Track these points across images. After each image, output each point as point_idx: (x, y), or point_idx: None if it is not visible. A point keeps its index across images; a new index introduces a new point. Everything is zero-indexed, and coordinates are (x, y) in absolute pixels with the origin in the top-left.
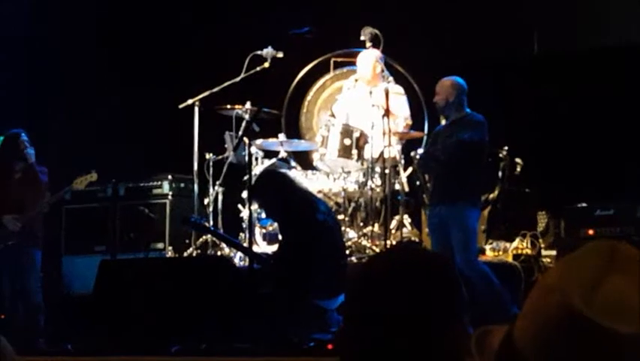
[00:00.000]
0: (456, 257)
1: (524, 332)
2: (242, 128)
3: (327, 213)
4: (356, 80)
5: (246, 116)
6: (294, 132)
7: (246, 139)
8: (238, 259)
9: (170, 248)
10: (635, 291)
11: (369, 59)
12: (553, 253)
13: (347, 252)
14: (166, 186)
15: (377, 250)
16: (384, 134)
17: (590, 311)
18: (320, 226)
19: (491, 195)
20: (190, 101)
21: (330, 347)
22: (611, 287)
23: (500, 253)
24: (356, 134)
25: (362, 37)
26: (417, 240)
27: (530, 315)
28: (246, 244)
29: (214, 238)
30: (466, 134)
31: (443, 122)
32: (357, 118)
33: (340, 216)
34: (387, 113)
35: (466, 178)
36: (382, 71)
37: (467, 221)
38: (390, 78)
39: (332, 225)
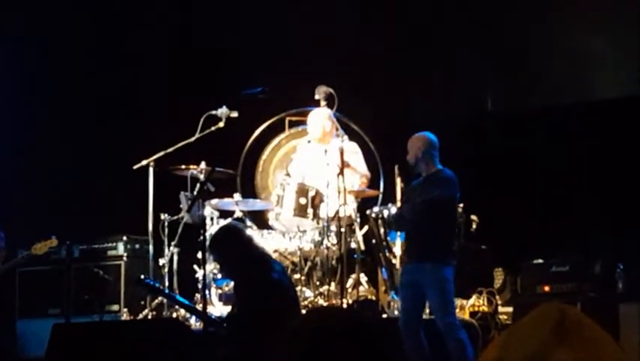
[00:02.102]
0: (436, 318)
1: None
2: (197, 188)
3: (282, 272)
4: (309, 141)
5: (201, 176)
6: (250, 192)
7: (200, 199)
8: (194, 320)
9: (126, 310)
10: None
11: (319, 117)
12: (510, 309)
13: (304, 311)
14: (121, 248)
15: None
16: (339, 192)
17: None
18: (275, 285)
19: None
20: (144, 162)
21: None
22: None
23: (457, 310)
24: (311, 193)
25: (316, 96)
26: (374, 298)
27: None
28: (201, 305)
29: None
30: (436, 193)
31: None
32: (313, 177)
33: (296, 276)
34: (342, 171)
35: (437, 236)
36: (337, 129)
37: (442, 281)
38: (345, 136)
39: (287, 285)
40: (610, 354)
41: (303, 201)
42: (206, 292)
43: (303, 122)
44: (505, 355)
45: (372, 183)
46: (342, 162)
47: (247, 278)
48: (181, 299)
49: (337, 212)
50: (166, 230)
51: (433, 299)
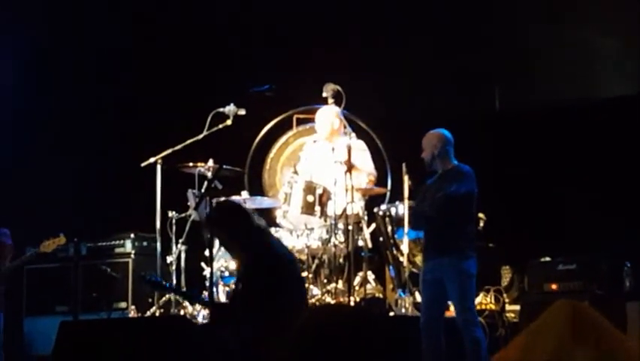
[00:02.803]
0: (455, 314)
1: None
2: (204, 185)
3: (283, 247)
4: (314, 141)
5: (209, 174)
6: (257, 189)
7: (208, 197)
8: (201, 317)
9: (133, 307)
10: None
11: (327, 115)
12: (518, 307)
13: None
14: (128, 245)
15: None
16: (347, 190)
17: None
18: (279, 258)
19: None
20: (152, 160)
21: None
22: None
23: None
24: (319, 191)
25: (324, 94)
26: (381, 296)
27: None
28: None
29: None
30: (453, 188)
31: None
32: (320, 175)
33: (304, 273)
34: (349, 169)
35: (457, 232)
36: (345, 127)
37: (463, 274)
38: (353, 134)
39: (291, 258)
40: (621, 345)
41: (310, 198)
42: (214, 289)
43: (311, 120)
44: (527, 357)
45: (380, 181)
46: (350, 160)
47: (250, 253)
48: (187, 293)
49: (345, 210)
50: (174, 227)
51: (453, 294)
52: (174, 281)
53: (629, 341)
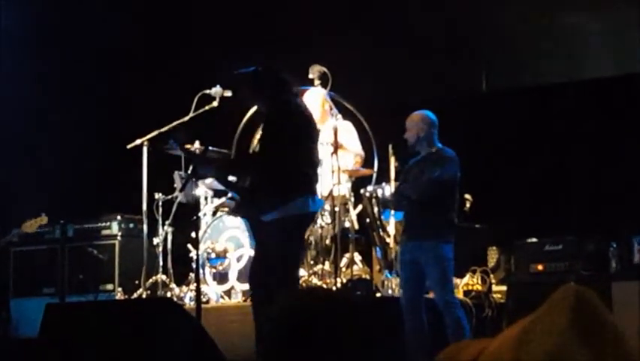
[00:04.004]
0: (435, 297)
1: None
2: (191, 167)
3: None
4: None
5: None
6: None
7: (194, 179)
8: (188, 299)
9: (120, 289)
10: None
11: (316, 98)
12: (504, 288)
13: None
14: (115, 227)
15: (327, 288)
16: (333, 172)
17: None
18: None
19: None
20: (138, 141)
21: None
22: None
23: None
24: None
25: (310, 76)
26: (368, 278)
27: None
28: (194, 285)
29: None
30: (437, 172)
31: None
32: None
33: None
34: (336, 150)
35: (438, 216)
36: (331, 108)
37: (442, 259)
38: (339, 115)
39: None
40: (623, 346)
41: None
42: (200, 271)
43: None
44: (523, 355)
45: (367, 163)
46: (336, 141)
47: (278, 111)
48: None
49: (331, 191)
50: (160, 209)
51: (432, 277)
52: (161, 263)
53: (630, 340)
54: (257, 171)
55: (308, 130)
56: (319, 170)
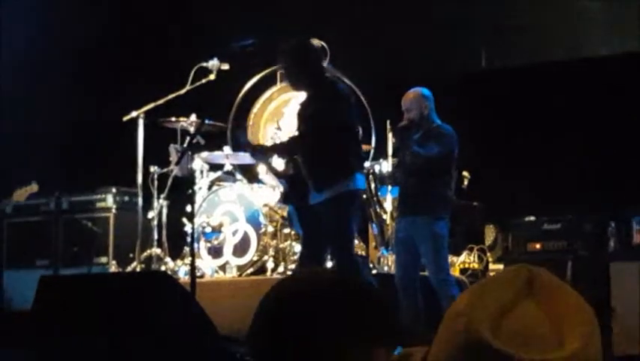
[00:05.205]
0: (429, 275)
1: (436, 358)
2: (187, 140)
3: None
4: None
5: (191, 129)
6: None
7: (190, 152)
8: (182, 273)
9: (114, 262)
10: (545, 319)
11: None
12: (501, 266)
13: (294, 266)
14: (110, 200)
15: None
16: None
17: (494, 339)
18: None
19: None
20: (134, 114)
21: None
22: (521, 314)
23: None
24: None
25: None
26: (364, 254)
27: (441, 341)
28: (189, 259)
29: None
30: (435, 149)
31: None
32: None
33: (286, 230)
34: None
35: (432, 192)
36: None
37: (436, 236)
38: None
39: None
40: (575, 312)
41: None
42: (195, 245)
43: None
44: (476, 304)
45: (364, 139)
46: None
47: (328, 92)
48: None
49: None
50: (155, 183)
51: (426, 255)
52: (155, 237)
53: (587, 311)
54: (312, 151)
55: (357, 111)
56: None
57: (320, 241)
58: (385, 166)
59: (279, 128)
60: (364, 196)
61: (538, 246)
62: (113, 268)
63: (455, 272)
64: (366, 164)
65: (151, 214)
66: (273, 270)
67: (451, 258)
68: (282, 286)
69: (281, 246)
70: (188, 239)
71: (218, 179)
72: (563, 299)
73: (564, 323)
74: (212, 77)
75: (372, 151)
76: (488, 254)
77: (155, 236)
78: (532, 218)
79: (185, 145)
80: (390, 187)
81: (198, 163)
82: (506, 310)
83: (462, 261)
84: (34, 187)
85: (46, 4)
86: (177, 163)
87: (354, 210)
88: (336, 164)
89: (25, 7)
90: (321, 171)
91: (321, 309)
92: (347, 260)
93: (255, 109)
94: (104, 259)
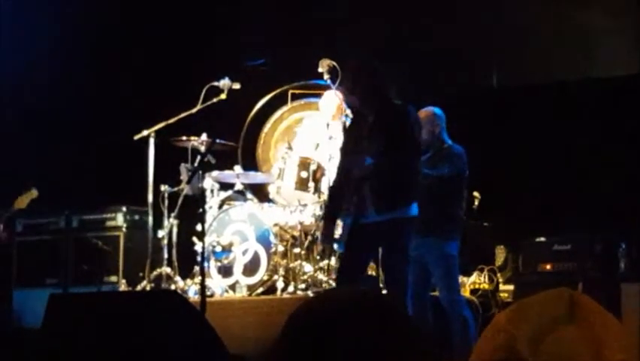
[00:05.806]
0: (440, 295)
1: None
2: (197, 160)
3: None
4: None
5: (202, 148)
6: (251, 164)
7: (201, 171)
8: (192, 292)
9: (124, 281)
10: (585, 344)
11: (335, 101)
12: (511, 287)
13: (304, 286)
14: (120, 218)
15: (333, 284)
16: None
17: (534, 358)
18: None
19: None
20: (145, 133)
21: None
22: (561, 337)
23: None
24: (313, 167)
25: (320, 69)
26: (374, 274)
27: (480, 353)
28: (199, 278)
29: None
30: (446, 169)
31: None
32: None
33: (296, 250)
34: None
35: (443, 213)
36: (344, 110)
37: (447, 257)
38: (348, 110)
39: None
40: (616, 339)
41: (304, 174)
42: (205, 264)
43: (307, 95)
44: (517, 322)
45: None
46: None
47: (397, 113)
48: None
49: None
50: (166, 201)
51: (437, 276)
52: (166, 256)
53: (626, 335)
54: (391, 173)
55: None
56: (331, 164)
57: (361, 257)
58: None
59: (290, 148)
60: None
61: (548, 267)
62: (123, 286)
63: (465, 293)
64: None
65: (161, 233)
66: (283, 290)
67: (462, 278)
68: (311, 305)
69: (291, 265)
70: (198, 258)
71: (229, 198)
72: (604, 325)
73: (604, 349)
74: (223, 96)
75: None
76: (499, 275)
77: (165, 255)
78: (542, 239)
79: (195, 164)
80: None
81: (209, 182)
82: (547, 331)
83: (472, 281)
84: (34, 193)
85: (59, 21)
86: (188, 182)
87: (411, 235)
88: (406, 188)
89: (39, 25)
90: (390, 193)
91: (348, 332)
92: (397, 282)
93: (266, 128)
94: (113, 278)
